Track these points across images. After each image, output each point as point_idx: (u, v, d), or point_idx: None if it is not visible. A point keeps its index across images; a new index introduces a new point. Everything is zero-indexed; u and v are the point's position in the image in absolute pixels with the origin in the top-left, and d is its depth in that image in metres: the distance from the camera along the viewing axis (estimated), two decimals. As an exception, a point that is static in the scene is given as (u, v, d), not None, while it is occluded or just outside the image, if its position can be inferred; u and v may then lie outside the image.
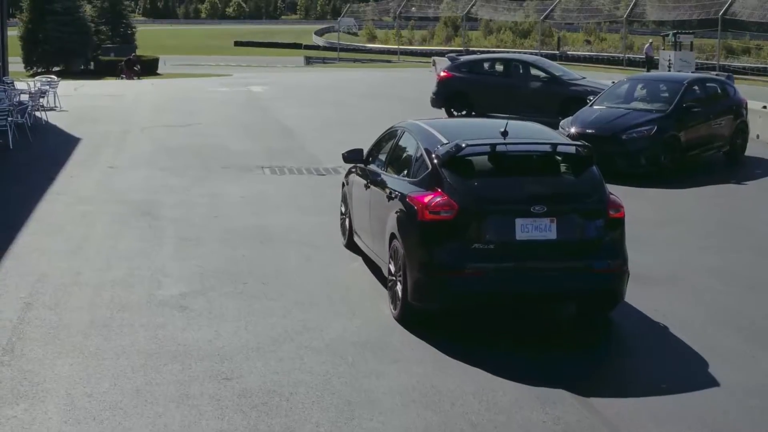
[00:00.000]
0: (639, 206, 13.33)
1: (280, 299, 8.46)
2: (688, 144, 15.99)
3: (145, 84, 37.33)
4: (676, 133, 15.70)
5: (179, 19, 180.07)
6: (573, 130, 15.78)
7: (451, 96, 23.19)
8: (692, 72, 48.00)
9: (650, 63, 49.10)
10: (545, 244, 7.54)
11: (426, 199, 7.65)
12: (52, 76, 26.67)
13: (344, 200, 10.65)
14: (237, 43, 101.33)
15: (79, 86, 34.60)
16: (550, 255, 7.57)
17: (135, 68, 44.97)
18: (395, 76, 41.95)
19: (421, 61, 69.97)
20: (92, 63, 51.77)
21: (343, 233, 10.64)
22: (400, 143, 9.07)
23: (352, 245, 10.22)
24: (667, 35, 51.19)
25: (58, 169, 15.39)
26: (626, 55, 59.18)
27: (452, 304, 7.75)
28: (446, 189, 7.64)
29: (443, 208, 7.54)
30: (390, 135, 9.55)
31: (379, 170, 9.20)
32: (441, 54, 79.67)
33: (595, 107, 16.56)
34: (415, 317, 7.81)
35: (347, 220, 10.44)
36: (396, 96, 29.94)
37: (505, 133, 8.02)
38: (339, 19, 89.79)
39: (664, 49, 50.93)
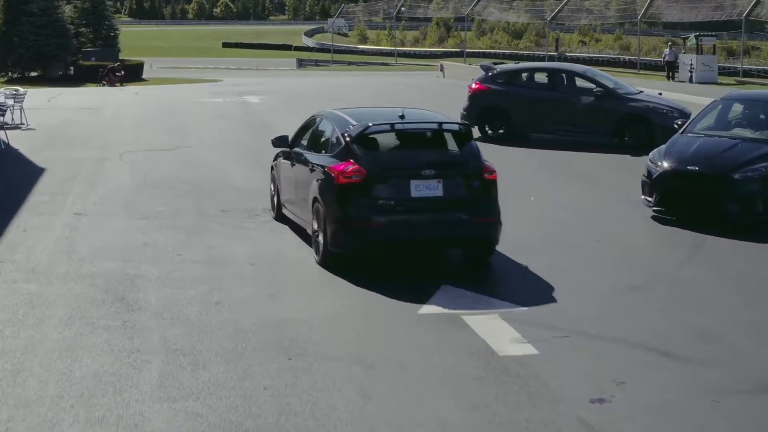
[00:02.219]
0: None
1: (338, 501, 5.05)
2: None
3: (129, 93, 33.78)
4: (798, 169, 12.36)
5: (166, 20, 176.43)
6: (666, 164, 12.42)
7: (486, 112, 19.84)
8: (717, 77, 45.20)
9: (671, 68, 45.79)
10: (434, 200, 9.44)
11: (341, 168, 9.48)
12: (18, 88, 23.16)
13: (273, 181, 12.22)
14: (225, 45, 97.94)
15: (54, 96, 31.12)
16: (439, 209, 9.46)
17: (118, 74, 41.38)
18: (401, 81, 38.48)
19: (420, 64, 66.71)
20: (72, 68, 48.02)
21: (273, 208, 12.24)
22: (319, 127, 10.87)
23: (281, 217, 11.80)
24: (687, 38, 47.92)
25: (9, 217, 11.90)
26: (640, 58, 55.84)
27: (363, 249, 9.48)
28: (356, 159, 9.47)
29: (354, 173, 9.37)
30: (311, 122, 11.32)
31: (302, 151, 10.96)
32: (436, 56, 76.88)
33: (689, 135, 13.15)
34: (333, 261, 9.55)
35: (276, 196, 12.03)
36: (415, 107, 26.48)
37: (402, 117, 10.12)
38: (332, 20, 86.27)
39: (684, 52, 47.69)
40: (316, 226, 9.87)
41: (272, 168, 12.27)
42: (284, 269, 9.72)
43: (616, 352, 7.49)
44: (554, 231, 11.80)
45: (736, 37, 69.29)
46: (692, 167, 12.22)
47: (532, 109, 19.34)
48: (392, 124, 9.91)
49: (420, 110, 11.62)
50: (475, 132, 20.00)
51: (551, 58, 59.94)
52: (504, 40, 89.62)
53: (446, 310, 8.45)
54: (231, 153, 17.70)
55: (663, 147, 13.00)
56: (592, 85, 19.22)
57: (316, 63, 70.06)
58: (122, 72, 41.98)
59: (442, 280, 9.34)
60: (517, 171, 16.45)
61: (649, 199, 12.60)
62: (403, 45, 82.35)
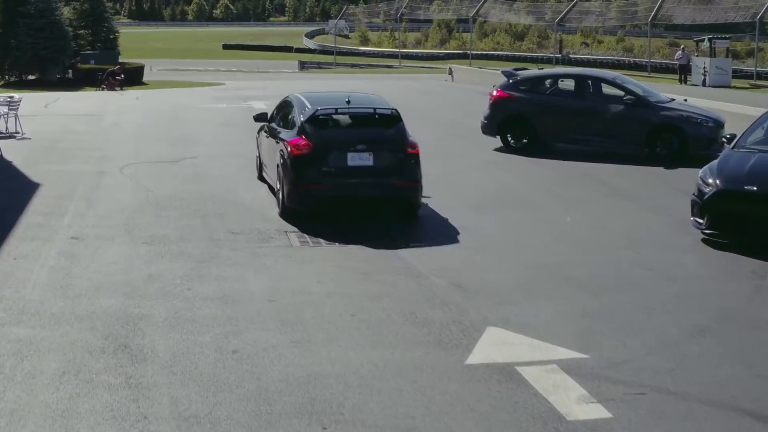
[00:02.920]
0: None
1: None
2: None
3: (129, 98, 32.69)
4: None
5: (165, 21, 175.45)
6: (720, 183, 11.31)
7: (508, 121, 18.73)
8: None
9: (684, 71, 44.73)
10: (366, 168, 12.09)
11: (295, 142, 12.18)
12: (13, 94, 22.03)
13: (257, 147, 15.14)
14: (226, 46, 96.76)
15: (51, 101, 30.03)
16: (370, 175, 12.11)
17: (117, 78, 40.25)
18: (409, 86, 37.38)
19: (425, 66, 65.59)
20: (70, 71, 46.87)
21: (257, 169, 15.13)
22: (287, 108, 13.46)
23: (262, 178, 14.63)
24: (701, 40, 46.88)
25: (-1, 242, 10.82)
26: (650, 60, 54.71)
27: (311, 205, 12.15)
28: (307, 136, 12.16)
29: (304, 147, 12.07)
30: (283, 103, 13.90)
31: (275, 126, 13.56)
32: (439, 58, 75.65)
33: (741, 151, 12.05)
34: (289, 213, 12.26)
35: (258, 159, 14.97)
36: (431, 116, 25.44)
37: (348, 102, 12.78)
38: (335, 21, 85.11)
39: (697, 55, 46.70)
40: (278, 186, 12.62)
41: (257, 138, 15.20)
42: (308, 307, 8.60)
43: (703, 415, 6.39)
44: (601, 259, 10.69)
45: (740, 39, 68.25)
46: (749, 187, 11.10)
47: (557, 118, 18.26)
48: (336, 109, 12.65)
49: (365, 95, 14.14)
50: (497, 142, 18.98)
51: (557, 60, 58.95)
52: (506, 42, 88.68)
53: (497, 360, 7.36)
54: (239, 165, 16.59)
55: (714, 164, 11.89)
56: (621, 93, 18.13)
57: (319, 65, 68.93)
58: (122, 75, 40.85)
59: (486, 320, 8.26)
60: (545, 186, 15.38)
61: (700, 220, 11.51)
62: (404, 47, 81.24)
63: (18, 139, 19.53)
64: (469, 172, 16.54)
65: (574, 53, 73.64)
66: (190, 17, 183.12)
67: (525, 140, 18.53)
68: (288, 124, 12.94)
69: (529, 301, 9.00)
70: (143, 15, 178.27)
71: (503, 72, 19.82)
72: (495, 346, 7.70)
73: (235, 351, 7.38)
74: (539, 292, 9.32)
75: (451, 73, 41.97)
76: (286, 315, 8.35)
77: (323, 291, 9.16)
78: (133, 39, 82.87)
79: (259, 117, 14.77)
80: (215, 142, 19.69)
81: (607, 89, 18.45)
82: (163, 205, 13.11)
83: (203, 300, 8.72)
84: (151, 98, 32.49)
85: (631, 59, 69.65)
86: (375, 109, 12.74)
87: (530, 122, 18.43)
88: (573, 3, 57.41)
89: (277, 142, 12.87)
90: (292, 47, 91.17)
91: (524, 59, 74.34)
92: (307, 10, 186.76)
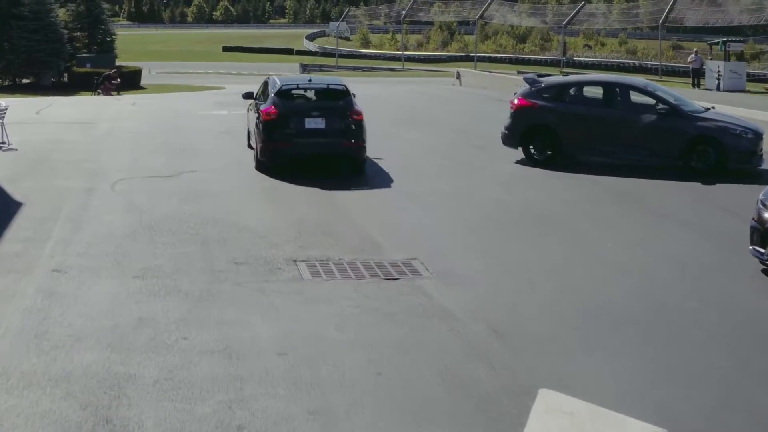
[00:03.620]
0: None
1: None
2: None
3: (125, 103, 31.36)
4: None
5: (165, 23, 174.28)
6: (785, 207, 10.02)
7: (531, 131, 17.40)
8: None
9: (697, 74, 43.43)
10: (319, 131, 15.30)
11: (266, 110, 15.46)
12: (0, 102, 20.69)
13: (248, 122, 18.34)
14: (225, 49, 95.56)
15: (44, 107, 28.71)
16: (323, 136, 15.32)
17: (114, 82, 38.92)
18: (417, 90, 36.05)
19: (429, 69, 64.41)
20: (66, 75, 45.53)
21: (246, 139, 18.48)
22: (265, 86, 16.90)
23: (250, 146, 17.58)
24: (716, 43, 45.58)
25: (-29, 276, 9.48)
26: (662, 63, 53.29)
27: (278, 159, 15.46)
28: (275, 105, 15.43)
29: (272, 113, 15.31)
30: (263, 83, 17.25)
31: (257, 102, 16.85)
32: (441, 60, 74.34)
33: (806, 168, 10.78)
34: (261, 166, 15.62)
35: (248, 131, 18.34)
36: (442, 123, 24.13)
37: (310, 80, 17.30)
38: (337, 23, 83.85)
39: (711, 59, 45.40)
40: (254, 145, 16.09)
41: (246, 113, 18.46)
42: (325, 363, 7.27)
43: None
44: (657, 295, 9.36)
45: (745, 41, 66.98)
46: (823, 213, 9.82)
47: (584, 128, 16.93)
48: (298, 84, 16.65)
49: (323, 76, 19.17)
50: (519, 154, 17.68)
51: (562, 63, 57.71)
52: (509, 44, 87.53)
53: (558, 437, 6.06)
54: (242, 181, 15.29)
55: (776, 184, 10.61)
56: (652, 101, 16.83)
57: (321, 68, 67.59)
58: (118, 80, 39.51)
59: (537, 382, 6.95)
60: (576, 204, 14.08)
61: (762, 250, 10.19)
62: (406, 49, 80.00)
63: (4, 151, 18.20)
64: (491, 188, 15.25)
65: (578, 56, 72.45)
66: (189, 19, 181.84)
67: (549, 152, 17.21)
68: (265, 98, 16.17)
69: (582, 353, 7.69)
70: (142, 17, 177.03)
71: (525, 78, 18.46)
72: (552, 415, 6.40)
73: (241, 427, 6.06)
74: (593, 339, 8.02)
75: (458, 77, 40.67)
76: (299, 373, 7.02)
77: (342, 339, 7.84)
78: (131, 41, 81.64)
79: (247, 95, 18.04)
80: (216, 154, 18.37)
81: (636, 97, 17.15)
82: (158, 228, 11.78)
83: (202, 354, 7.39)
84: (148, 104, 31.17)
85: (637, 62, 68.45)
86: (328, 85, 16.56)
87: (555, 133, 17.11)
88: (581, 5, 56.05)
89: (255, 112, 16.38)
90: (293, 49, 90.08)
91: (528, 61, 73.21)
92: (308, 12, 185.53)
